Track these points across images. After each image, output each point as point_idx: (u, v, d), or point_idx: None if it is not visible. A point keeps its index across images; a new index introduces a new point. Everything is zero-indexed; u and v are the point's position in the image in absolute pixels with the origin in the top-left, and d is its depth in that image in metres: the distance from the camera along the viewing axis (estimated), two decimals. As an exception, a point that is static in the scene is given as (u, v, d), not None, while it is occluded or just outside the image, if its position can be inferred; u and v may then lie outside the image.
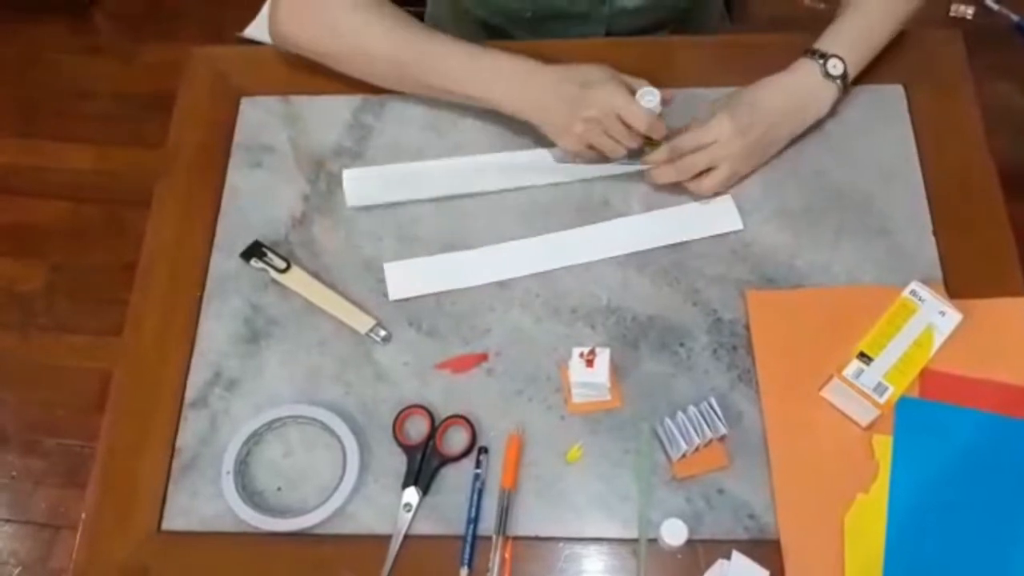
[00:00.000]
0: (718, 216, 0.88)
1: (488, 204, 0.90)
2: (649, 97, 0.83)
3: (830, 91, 0.87)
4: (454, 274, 0.86)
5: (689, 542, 0.73)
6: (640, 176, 0.89)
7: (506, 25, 1.08)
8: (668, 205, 0.89)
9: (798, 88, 0.87)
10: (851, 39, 0.87)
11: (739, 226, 0.88)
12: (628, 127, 0.83)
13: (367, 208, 0.90)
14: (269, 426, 0.80)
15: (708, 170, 0.86)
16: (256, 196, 0.92)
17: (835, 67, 0.86)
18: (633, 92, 0.83)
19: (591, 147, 0.85)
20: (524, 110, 0.86)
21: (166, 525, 0.78)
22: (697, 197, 0.89)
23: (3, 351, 1.74)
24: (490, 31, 1.10)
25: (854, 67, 0.87)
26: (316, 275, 0.87)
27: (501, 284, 0.86)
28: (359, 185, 0.89)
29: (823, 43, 0.87)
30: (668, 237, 0.87)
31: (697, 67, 0.98)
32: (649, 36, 1.05)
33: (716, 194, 0.88)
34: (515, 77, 0.85)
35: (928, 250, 0.85)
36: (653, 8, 1.03)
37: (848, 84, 0.87)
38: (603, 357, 0.76)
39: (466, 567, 0.74)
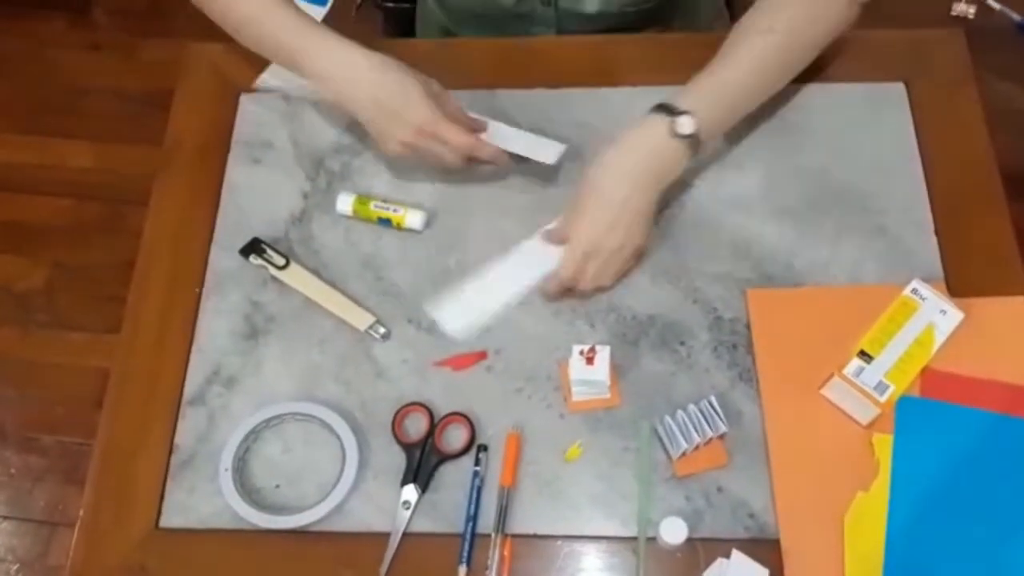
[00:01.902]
0: None
1: (488, 202, 0.90)
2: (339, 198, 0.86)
3: (679, 152, 0.79)
4: (500, 291, 0.84)
5: (689, 540, 0.73)
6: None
7: (461, 21, 1.08)
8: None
9: (643, 155, 0.79)
10: (712, 93, 0.80)
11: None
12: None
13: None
14: (268, 423, 0.80)
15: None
16: (255, 193, 0.92)
17: (684, 126, 0.78)
18: (447, 107, 0.83)
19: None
20: (349, 106, 0.84)
21: (164, 522, 0.77)
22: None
23: (3, 348, 1.74)
24: (446, 30, 1.10)
25: (711, 125, 0.80)
26: (315, 272, 0.87)
27: (501, 281, 0.86)
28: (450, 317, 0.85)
29: (678, 96, 0.80)
30: None
31: (645, 65, 0.96)
32: (604, 35, 1.02)
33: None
34: (346, 69, 0.83)
35: (929, 248, 0.85)
36: (602, 16, 1.01)
37: (701, 145, 0.80)
38: (603, 355, 0.76)
39: (465, 565, 0.73)
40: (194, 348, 0.85)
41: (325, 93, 0.85)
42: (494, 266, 0.86)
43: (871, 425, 0.77)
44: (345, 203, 0.88)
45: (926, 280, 0.80)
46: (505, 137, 0.88)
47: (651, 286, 0.85)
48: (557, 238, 0.83)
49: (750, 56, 0.83)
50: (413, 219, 0.88)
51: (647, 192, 0.81)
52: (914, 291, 0.79)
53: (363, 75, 0.83)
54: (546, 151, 0.89)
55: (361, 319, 0.84)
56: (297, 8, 0.87)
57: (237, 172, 0.94)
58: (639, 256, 0.84)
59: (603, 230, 0.79)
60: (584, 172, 0.82)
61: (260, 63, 0.97)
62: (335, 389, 0.82)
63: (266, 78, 0.94)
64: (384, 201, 0.89)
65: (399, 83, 0.82)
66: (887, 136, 0.91)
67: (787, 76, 0.86)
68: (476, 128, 0.87)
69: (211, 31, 0.95)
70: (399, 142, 0.83)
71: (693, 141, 0.80)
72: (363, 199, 0.88)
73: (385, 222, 0.88)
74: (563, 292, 0.83)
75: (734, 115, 0.84)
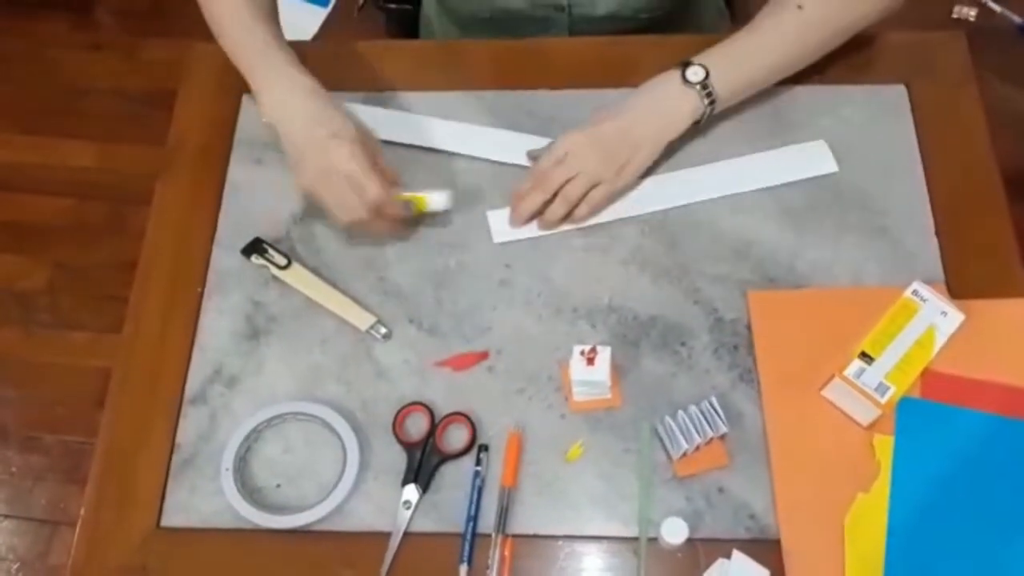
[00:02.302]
0: (812, 159, 0.90)
1: (490, 202, 0.90)
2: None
3: (690, 99, 0.84)
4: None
5: (689, 541, 0.73)
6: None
7: (468, 26, 1.08)
8: (761, 149, 0.91)
9: (656, 92, 0.85)
10: (725, 51, 0.85)
11: (834, 168, 0.89)
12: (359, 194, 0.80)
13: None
14: (269, 423, 0.80)
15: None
16: (257, 192, 0.92)
17: (695, 74, 0.83)
18: (376, 158, 0.82)
19: (316, 197, 0.82)
20: (279, 129, 0.83)
21: (165, 522, 0.78)
22: (786, 143, 0.90)
23: (5, 348, 1.74)
24: (457, 31, 1.10)
25: (723, 79, 0.84)
26: (317, 272, 0.87)
27: (502, 282, 0.86)
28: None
29: (697, 55, 0.85)
30: (764, 180, 0.89)
31: (648, 67, 0.95)
32: (607, 37, 1.03)
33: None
34: (285, 94, 0.83)
35: (930, 250, 0.85)
36: (615, 19, 1.02)
37: (715, 96, 0.84)
38: (604, 355, 0.76)
39: (465, 564, 0.73)
40: (195, 348, 0.85)
41: (261, 110, 0.85)
42: None
43: (872, 426, 0.77)
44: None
45: (927, 282, 0.80)
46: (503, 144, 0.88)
47: (652, 287, 0.85)
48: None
49: (773, 28, 0.86)
50: (438, 199, 0.85)
51: (645, 127, 0.85)
52: (915, 293, 0.79)
53: (300, 101, 0.83)
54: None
55: (362, 319, 0.84)
56: (265, 24, 0.87)
57: (239, 172, 0.94)
58: (607, 198, 0.86)
59: (585, 144, 0.83)
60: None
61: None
62: (336, 389, 0.82)
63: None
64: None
65: (334, 118, 0.82)
66: (888, 138, 0.92)
67: (811, 54, 0.89)
68: (392, 184, 0.85)
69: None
70: (316, 168, 0.80)
71: (704, 94, 0.83)
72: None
73: (407, 205, 0.85)
74: (534, 192, 0.85)
75: (750, 81, 0.87)
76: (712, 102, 0.84)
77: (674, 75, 0.84)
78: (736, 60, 0.85)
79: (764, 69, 0.87)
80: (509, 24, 1.04)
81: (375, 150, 0.84)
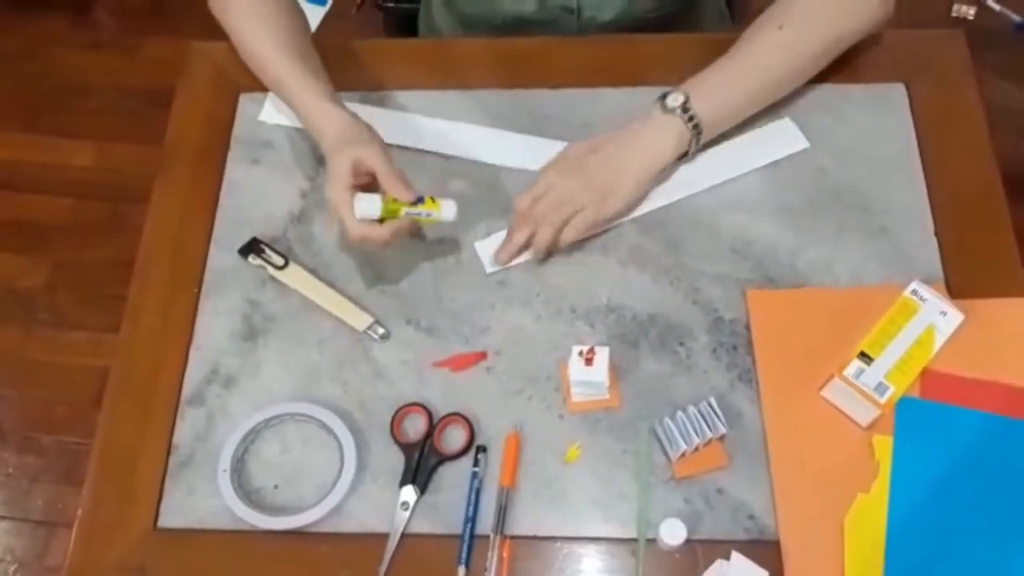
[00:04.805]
0: (781, 139, 0.90)
1: (488, 201, 0.90)
2: (364, 204, 0.77)
3: (672, 127, 0.83)
4: None
5: (688, 542, 0.73)
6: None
7: (475, 28, 1.08)
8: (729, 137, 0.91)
9: (636, 124, 0.84)
10: (706, 77, 0.85)
11: (805, 144, 0.89)
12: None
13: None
14: (266, 424, 0.80)
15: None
16: (255, 192, 0.92)
17: (674, 99, 0.83)
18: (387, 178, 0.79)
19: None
20: (321, 139, 0.84)
21: (162, 523, 0.77)
22: (755, 125, 0.89)
23: (3, 347, 1.74)
24: (463, 33, 1.11)
25: (705, 104, 0.83)
26: (314, 272, 0.87)
27: (500, 282, 0.86)
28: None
29: (681, 84, 0.85)
30: (741, 167, 0.89)
31: (644, 66, 0.96)
32: (602, 36, 1.03)
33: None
34: (326, 114, 0.84)
35: (929, 250, 0.85)
36: (622, 22, 1.02)
37: (699, 122, 0.83)
38: (602, 356, 0.76)
39: (463, 566, 0.73)
40: (193, 348, 0.84)
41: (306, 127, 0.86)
42: None
43: (871, 426, 0.77)
44: (372, 207, 0.78)
45: (926, 281, 0.80)
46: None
47: (651, 287, 0.85)
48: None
49: (754, 51, 0.85)
50: (446, 210, 0.82)
51: (627, 157, 0.84)
52: (914, 292, 0.79)
53: (339, 117, 0.83)
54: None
55: (360, 319, 0.84)
56: (301, 59, 0.87)
57: (236, 171, 0.94)
58: (594, 223, 0.84)
59: (562, 171, 0.83)
60: None
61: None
62: (334, 389, 0.82)
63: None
64: (412, 206, 0.80)
65: (368, 132, 0.83)
66: (887, 137, 0.91)
67: (798, 74, 0.88)
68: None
69: (212, 30, 0.95)
70: (339, 175, 0.78)
71: (686, 119, 0.83)
72: (393, 203, 0.79)
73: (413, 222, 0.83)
74: (519, 231, 0.84)
75: (733, 105, 0.87)
76: (697, 130, 0.84)
77: (655, 106, 0.84)
78: (717, 85, 0.84)
79: (748, 92, 0.86)
80: (518, 29, 1.04)
81: (384, 175, 0.79)
